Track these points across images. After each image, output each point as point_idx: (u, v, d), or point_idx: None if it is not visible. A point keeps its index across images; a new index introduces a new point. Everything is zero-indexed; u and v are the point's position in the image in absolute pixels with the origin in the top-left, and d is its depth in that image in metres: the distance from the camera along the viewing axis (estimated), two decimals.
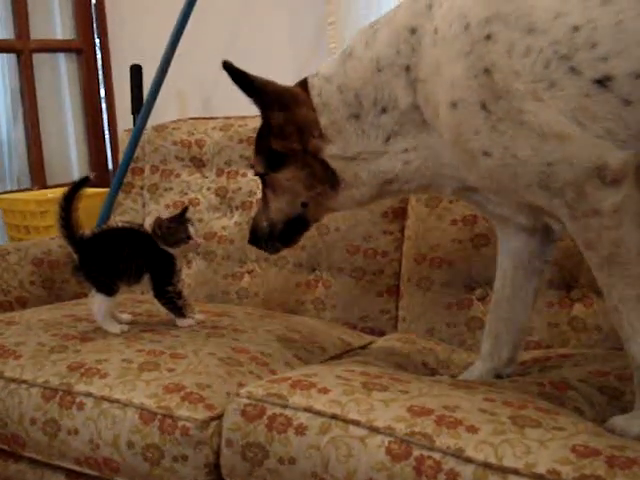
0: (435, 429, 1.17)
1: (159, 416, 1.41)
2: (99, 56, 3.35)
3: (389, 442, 1.18)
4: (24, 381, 1.58)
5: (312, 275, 2.10)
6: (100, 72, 3.37)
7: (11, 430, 1.57)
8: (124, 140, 2.49)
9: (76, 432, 1.48)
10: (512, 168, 1.20)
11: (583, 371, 1.46)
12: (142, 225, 2.21)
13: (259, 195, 1.70)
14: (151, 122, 2.47)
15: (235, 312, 1.95)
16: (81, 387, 1.51)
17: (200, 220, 2.26)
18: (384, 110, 1.34)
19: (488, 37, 1.17)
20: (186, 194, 2.36)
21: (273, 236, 1.53)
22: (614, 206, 1.14)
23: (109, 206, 2.46)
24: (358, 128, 1.37)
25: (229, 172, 2.32)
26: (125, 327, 1.75)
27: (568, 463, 1.06)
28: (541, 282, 1.51)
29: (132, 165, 2.46)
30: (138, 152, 2.45)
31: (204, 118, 2.49)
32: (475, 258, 1.83)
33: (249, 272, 2.21)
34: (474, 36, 1.18)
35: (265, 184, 1.52)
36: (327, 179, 1.42)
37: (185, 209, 1.81)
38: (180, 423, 1.39)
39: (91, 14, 3.32)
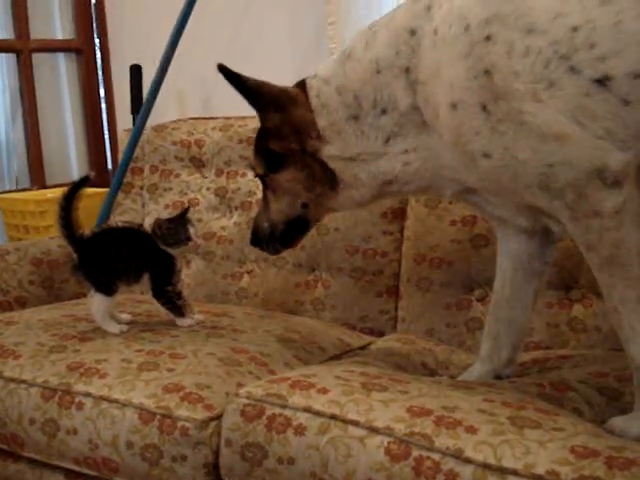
0: (434, 429, 1.17)
1: (158, 416, 1.41)
2: (99, 56, 3.34)
3: (388, 442, 1.18)
4: (23, 381, 1.58)
5: (311, 275, 2.10)
6: (100, 72, 3.36)
7: (10, 430, 1.57)
8: (124, 140, 2.49)
9: (75, 432, 1.48)
10: (512, 169, 1.20)
11: (582, 372, 1.46)
12: (142, 225, 2.20)
13: (259, 195, 1.70)
14: (151, 122, 2.47)
15: (234, 312, 1.94)
16: (80, 387, 1.51)
17: (199, 220, 2.25)
18: (384, 111, 1.34)
19: (488, 38, 1.17)
20: (185, 194, 2.36)
21: (274, 237, 1.53)
22: (615, 207, 1.14)
23: (109, 206, 2.46)
24: (357, 129, 1.37)
25: (229, 172, 2.31)
26: (124, 327, 1.75)
27: (567, 464, 1.06)
28: (541, 283, 1.51)
29: (132, 165, 2.46)
30: (138, 152, 2.45)
31: (204, 118, 2.49)
32: (474, 259, 1.83)
33: (248, 272, 2.21)
34: (474, 37, 1.18)
35: (265, 185, 1.52)
36: (327, 180, 1.42)
37: (186, 210, 1.81)
38: (179, 423, 1.39)
39: (91, 14, 3.31)
